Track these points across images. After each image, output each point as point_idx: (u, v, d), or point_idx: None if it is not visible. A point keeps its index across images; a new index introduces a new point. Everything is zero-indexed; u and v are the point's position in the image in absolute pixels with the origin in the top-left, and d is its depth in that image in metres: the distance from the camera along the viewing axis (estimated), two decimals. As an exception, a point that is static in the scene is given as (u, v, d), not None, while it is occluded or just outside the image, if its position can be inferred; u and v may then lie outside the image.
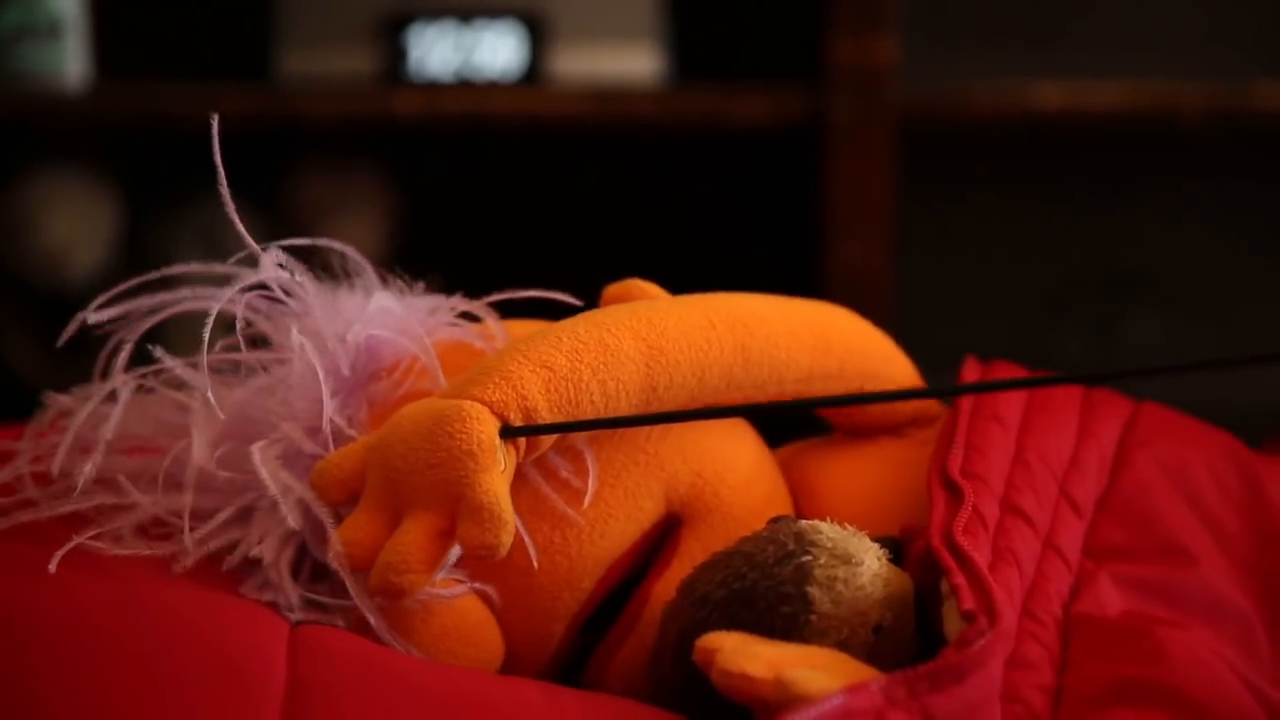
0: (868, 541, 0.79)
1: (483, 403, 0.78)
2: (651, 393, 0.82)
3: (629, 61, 1.69)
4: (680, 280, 1.49)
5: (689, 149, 1.85)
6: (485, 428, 0.77)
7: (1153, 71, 1.74)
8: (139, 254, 1.65)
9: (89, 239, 1.65)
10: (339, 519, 0.80)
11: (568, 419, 0.80)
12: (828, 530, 0.78)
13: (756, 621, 0.76)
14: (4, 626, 0.74)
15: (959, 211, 1.87)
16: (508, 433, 0.78)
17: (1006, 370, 0.93)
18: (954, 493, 0.82)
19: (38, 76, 1.66)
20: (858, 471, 0.92)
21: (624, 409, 0.81)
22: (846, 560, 0.77)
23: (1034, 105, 1.66)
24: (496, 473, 0.76)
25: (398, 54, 1.68)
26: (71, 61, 1.67)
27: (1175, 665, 0.75)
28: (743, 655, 0.72)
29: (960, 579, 0.76)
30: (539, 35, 1.68)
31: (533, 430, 0.79)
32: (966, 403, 0.88)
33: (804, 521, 0.79)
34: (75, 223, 1.65)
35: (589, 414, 0.80)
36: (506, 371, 0.79)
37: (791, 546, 0.77)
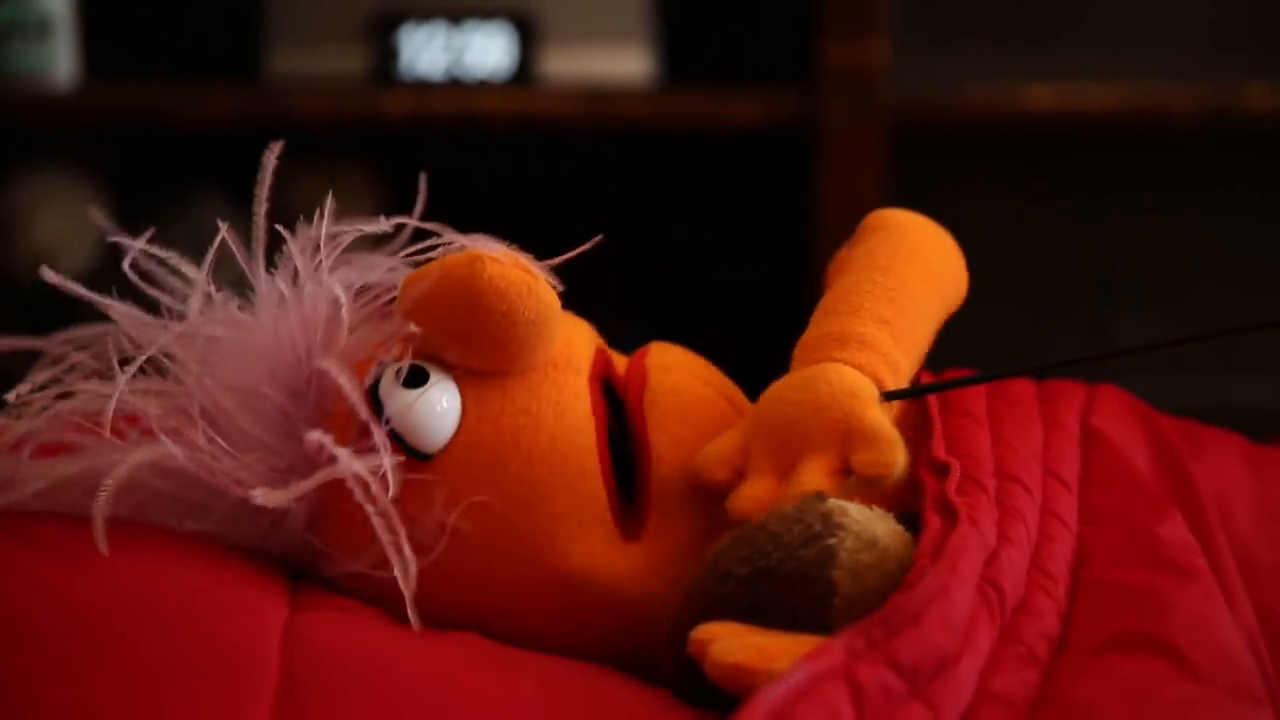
0: (893, 523, 0.78)
1: (851, 366, 0.83)
2: (942, 313, 0.90)
3: (619, 63, 1.69)
4: (673, 281, 1.49)
5: (680, 151, 1.85)
6: (860, 378, 0.82)
7: (1145, 73, 1.74)
8: (127, 254, 1.65)
9: (77, 238, 1.64)
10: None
11: (913, 364, 0.86)
12: (854, 512, 0.77)
13: (780, 601, 0.75)
14: None
15: (950, 213, 1.85)
16: (888, 396, 0.83)
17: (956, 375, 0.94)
18: (941, 472, 0.82)
19: (26, 75, 1.65)
20: None
21: (931, 334, 0.88)
22: (872, 545, 0.76)
23: (1026, 107, 1.66)
24: (879, 410, 0.80)
25: (388, 54, 1.68)
26: (60, 60, 1.66)
27: (1176, 623, 0.76)
28: (736, 646, 0.72)
29: (933, 525, 0.77)
30: (529, 36, 1.68)
31: (908, 393, 0.83)
32: (934, 400, 0.89)
33: (832, 501, 0.78)
34: (63, 222, 1.64)
35: (917, 353, 0.87)
36: (859, 335, 0.84)
37: (818, 528, 0.76)
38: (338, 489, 0.81)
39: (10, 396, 0.87)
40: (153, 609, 0.76)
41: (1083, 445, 0.90)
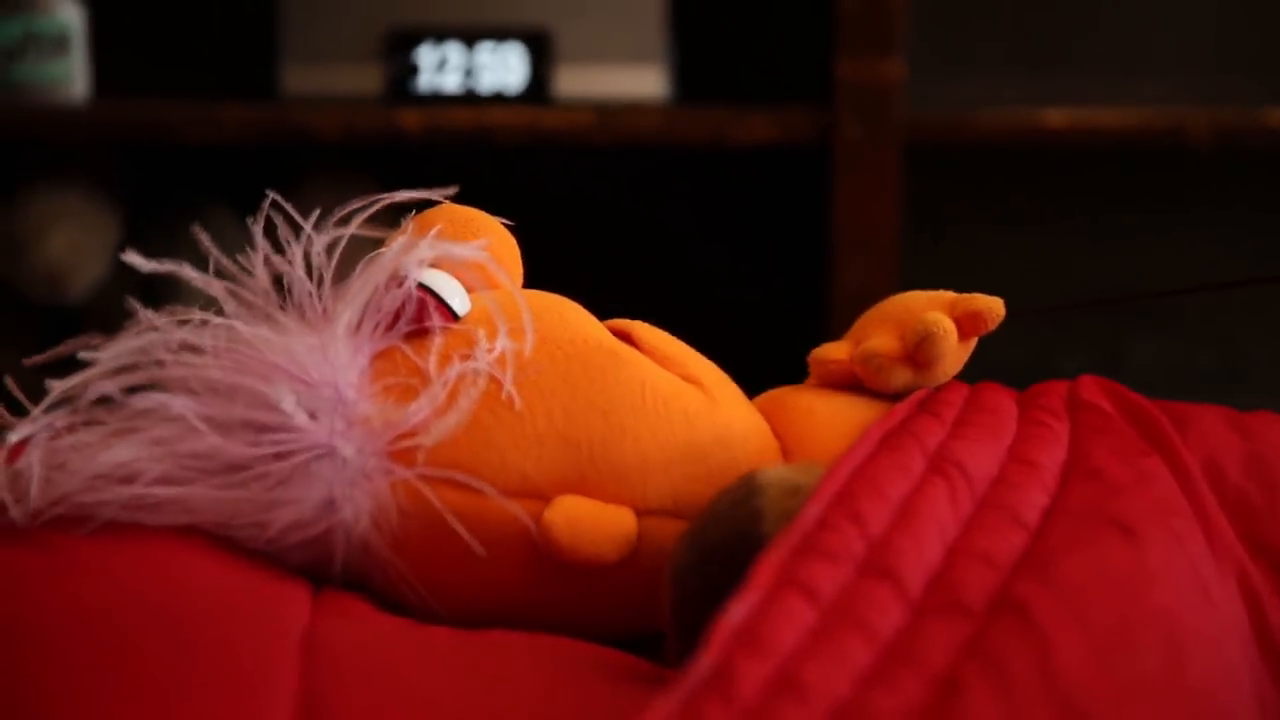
0: (821, 469, 0.79)
1: None
2: None
3: (634, 82, 1.68)
4: (687, 300, 1.49)
5: (694, 169, 1.84)
6: None
7: (1160, 93, 1.74)
8: (140, 271, 1.64)
9: (90, 255, 1.64)
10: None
11: None
12: (775, 470, 0.79)
13: (729, 578, 0.75)
14: (9, 637, 0.74)
15: (965, 232, 1.86)
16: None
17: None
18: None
19: (41, 91, 1.65)
20: (840, 409, 0.94)
21: None
22: (796, 491, 0.77)
23: (1041, 127, 1.65)
24: None
25: (403, 72, 1.67)
26: (75, 76, 1.66)
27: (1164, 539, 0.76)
28: None
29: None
30: (545, 56, 1.68)
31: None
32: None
33: (755, 471, 0.80)
34: (76, 238, 1.64)
35: None
36: None
37: (740, 494, 0.78)
38: (386, 361, 0.86)
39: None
40: (168, 619, 0.75)
41: (1070, 411, 0.91)
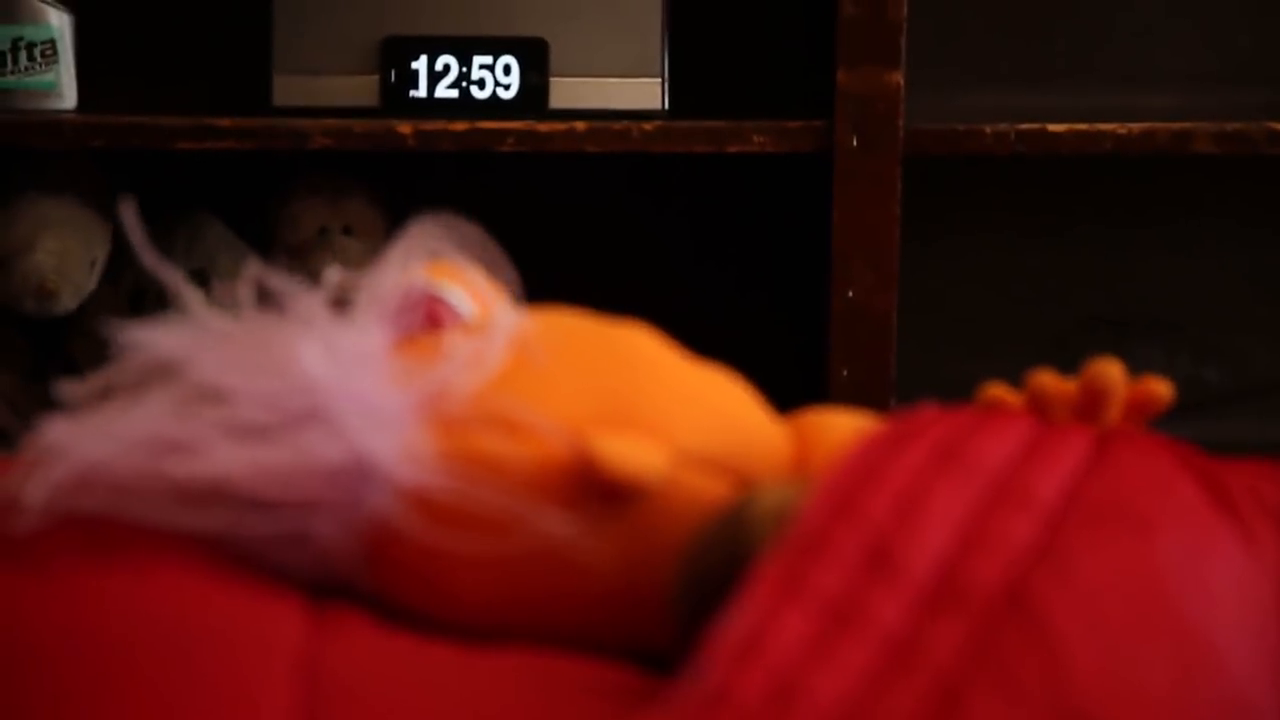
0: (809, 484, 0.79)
1: None
2: None
3: (632, 93, 1.68)
4: (684, 311, 1.47)
5: (692, 180, 1.84)
6: None
7: (1166, 108, 1.74)
8: (129, 284, 1.63)
9: (79, 266, 1.62)
10: None
11: None
12: (765, 493, 0.79)
13: (723, 604, 0.75)
14: (10, 654, 0.74)
15: (964, 245, 1.86)
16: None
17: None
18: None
19: (29, 100, 1.65)
20: (853, 427, 0.95)
21: None
22: (781, 516, 0.76)
23: (1045, 141, 1.64)
24: None
25: (397, 83, 1.67)
26: (64, 85, 1.65)
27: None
28: None
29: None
30: (542, 67, 1.67)
31: None
32: None
33: (748, 496, 0.80)
34: (65, 249, 1.63)
35: None
36: None
37: (729, 521, 0.78)
38: (405, 343, 0.88)
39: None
40: (164, 642, 0.75)
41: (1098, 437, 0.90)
